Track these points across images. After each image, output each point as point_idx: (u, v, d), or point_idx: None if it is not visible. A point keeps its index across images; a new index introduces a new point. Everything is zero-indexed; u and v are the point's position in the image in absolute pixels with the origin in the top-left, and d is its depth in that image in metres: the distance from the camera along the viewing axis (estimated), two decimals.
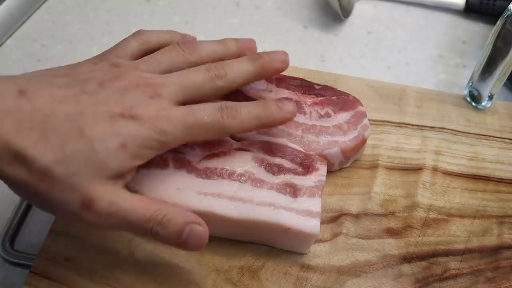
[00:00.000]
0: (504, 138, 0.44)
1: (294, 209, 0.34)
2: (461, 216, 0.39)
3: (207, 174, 0.35)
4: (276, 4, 0.61)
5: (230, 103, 0.33)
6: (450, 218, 0.39)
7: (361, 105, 0.41)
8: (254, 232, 0.35)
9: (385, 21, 0.60)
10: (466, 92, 0.47)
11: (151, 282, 0.35)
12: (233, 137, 0.38)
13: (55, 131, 0.28)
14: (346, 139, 0.39)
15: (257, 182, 0.35)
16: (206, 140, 0.36)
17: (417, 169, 0.41)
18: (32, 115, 0.28)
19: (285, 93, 0.40)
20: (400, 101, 0.46)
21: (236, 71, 0.35)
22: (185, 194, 0.34)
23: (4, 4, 0.55)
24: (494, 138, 0.44)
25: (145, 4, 0.61)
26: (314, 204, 0.35)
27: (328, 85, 0.43)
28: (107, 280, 0.35)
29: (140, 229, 0.30)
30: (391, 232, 0.38)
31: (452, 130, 0.44)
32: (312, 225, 0.34)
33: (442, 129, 0.44)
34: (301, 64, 0.53)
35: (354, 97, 0.42)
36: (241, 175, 0.35)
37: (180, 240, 0.30)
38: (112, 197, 0.29)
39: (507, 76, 0.44)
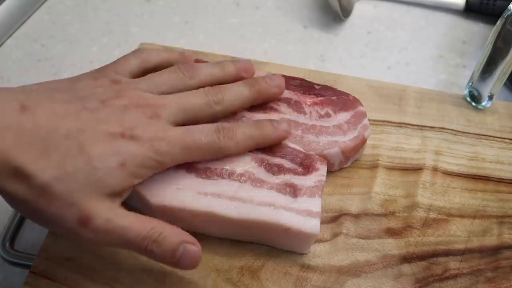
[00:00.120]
0: (504, 138, 0.44)
1: (294, 209, 0.34)
2: (461, 216, 0.39)
3: (207, 174, 0.35)
4: (276, 4, 0.61)
5: (226, 125, 0.35)
6: (450, 218, 0.39)
7: (361, 105, 0.41)
8: (254, 232, 0.35)
9: (385, 21, 0.60)
10: (466, 92, 0.47)
11: (151, 282, 0.35)
12: None
13: (56, 148, 0.28)
14: (346, 139, 0.39)
15: (257, 182, 0.35)
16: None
17: (417, 169, 0.41)
18: (33, 130, 0.28)
19: (285, 93, 0.40)
20: (400, 101, 0.46)
21: (233, 95, 0.36)
22: (185, 194, 0.34)
23: (4, 4, 0.55)
24: (494, 138, 0.44)
25: (145, 4, 0.61)
26: (314, 204, 0.35)
27: (328, 85, 0.43)
28: (107, 280, 0.35)
29: (135, 246, 0.30)
30: (391, 232, 0.38)
31: (452, 130, 0.44)
32: (312, 225, 0.34)
33: (442, 129, 0.44)
34: (301, 64, 0.53)
35: (354, 97, 0.42)
36: (241, 175, 0.35)
37: (174, 259, 0.30)
38: (110, 214, 0.29)
39: (507, 76, 0.44)
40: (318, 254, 0.37)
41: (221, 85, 0.37)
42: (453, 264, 0.37)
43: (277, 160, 0.36)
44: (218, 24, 0.59)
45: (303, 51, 0.56)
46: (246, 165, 0.36)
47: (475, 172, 0.42)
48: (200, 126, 0.34)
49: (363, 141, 0.40)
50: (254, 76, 0.40)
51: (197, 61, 0.41)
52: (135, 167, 0.30)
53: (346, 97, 0.41)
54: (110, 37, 0.57)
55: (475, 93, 0.46)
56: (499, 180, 0.41)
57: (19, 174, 0.27)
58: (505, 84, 0.51)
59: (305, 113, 0.40)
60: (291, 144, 0.38)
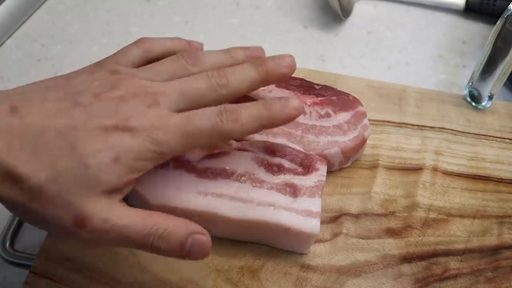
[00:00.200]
0: (504, 138, 0.44)
1: (294, 209, 0.34)
2: (461, 216, 0.39)
3: (207, 174, 0.35)
4: (276, 4, 0.61)
5: (229, 106, 0.32)
6: (450, 218, 0.39)
7: (361, 105, 0.41)
8: (254, 232, 0.35)
9: (385, 21, 0.60)
10: (466, 92, 0.47)
11: (151, 282, 0.35)
12: None
13: (47, 149, 0.28)
14: (346, 139, 0.39)
15: (257, 182, 0.35)
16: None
17: (417, 169, 0.41)
18: (23, 132, 0.27)
19: (285, 93, 0.40)
20: (400, 101, 0.46)
21: (239, 78, 0.33)
22: (185, 194, 0.34)
23: (4, 4, 0.55)
24: (494, 138, 0.44)
25: (145, 4, 0.61)
26: (314, 204, 0.35)
27: (328, 85, 0.43)
28: (107, 280, 0.35)
29: (139, 244, 0.29)
30: (391, 232, 0.38)
31: (452, 130, 0.44)
32: (312, 225, 0.34)
33: (442, 129, 0.44)
34: (301, 64, 0.53)
35: (354, 97, 0.42)
36: (241, 175, 0.35)
37: (183, 251, 0.29)
38: (107, 213, 0.28)
39: (507, 76, 0.44)
40: (318, 254, 0.37)
41: (226, 68, 0.33)
42: (453, 264, 0.37)
43: (277, 160, 0.36)
44: (218, 24, 0.59)
45: (303, 51, 0.56)
46: (246, 165, 0.36)
47: (475, 172, 0.42)
48: (201, 110, 0.31)
49: (363, 141, 0.40)
50: None
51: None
52: (131, 161, 0.29)
53: (346, 97, 0.41)
54: (110, 37, 0.57)
55: (475, 93, 0.46)
56: (499, 180, 0.41)
57: (12, 177, 0.27)
58: (505, 84, 0.51)
59: (305, 113, 0.40)
60: (291, 144, 0.38)
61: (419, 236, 0.38)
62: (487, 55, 0.43)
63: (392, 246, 0.37)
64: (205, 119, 0.31)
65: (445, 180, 0.41)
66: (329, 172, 0.40)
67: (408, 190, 0.40)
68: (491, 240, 0.38)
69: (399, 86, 0.47)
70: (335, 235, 0.37)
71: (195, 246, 0.29)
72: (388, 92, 0.46)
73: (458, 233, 0.38)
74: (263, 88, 0.40)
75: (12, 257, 0.39)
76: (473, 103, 0.46)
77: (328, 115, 0.40)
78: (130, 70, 0.33)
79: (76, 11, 0.60)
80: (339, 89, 0.42)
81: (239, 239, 0.36)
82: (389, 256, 0.37)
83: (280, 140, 0.38)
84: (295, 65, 0.35)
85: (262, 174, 0.36)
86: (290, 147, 0.37)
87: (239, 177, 0.35)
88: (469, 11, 0.59)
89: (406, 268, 0.36)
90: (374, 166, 0.41)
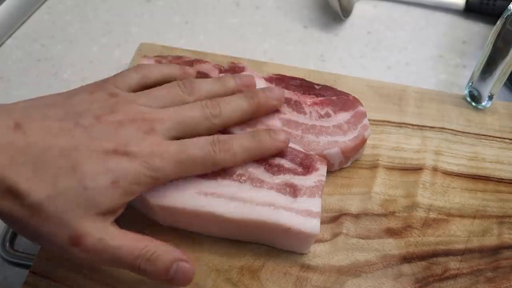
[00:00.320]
0: (504, 138, 0.44)
1: (294, 209, 0.34)
2: (461, 216, 0.39)
3: (207, 174, 0.35)
4: (276, 4, 0.61)
5: (222, 137, 0.34)
6: (450, 218, 0.39)
7: (361, 105, 0.41)
8: (254, 232, 0.35)
9: (385, 21, 0.60)
10: (466, 92, 0.47)
11: (151, 282, 0.35)
12: None
13: (49, 167, 0.28)
14: (346, 139, 0.39)
15: (257, 182, 0.35)
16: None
17: (417, 169, 0.41)
18: (26, 149, 0.28)
19: (285, 93, 0.40)
20: (400, 101, 0.46)
21: (232, 108, 0.36)
22: (185, 194, 0.34)
23: (4, 4, 0.55)
24: (494, 138, 0.44)
25: (145, 4, 0.61)
26: (314, 204, 0.35)
27: (328, 85, 0.43)
28: (107, 279, 0.35)
29: (128, 265, 0.30)
30: (391, 232, 0.38)
31: (452, 130, 0.44)
32: (312, 225, 0.34)
33: (442, 129, 0.44)
34: (301, 64, 0.53)
35: (354, 97, 0.42)
36: (241, 175, 0.35)
37: (168, 276, 0.30)
38: (102, 233, 0.29)
39: (507, 76, 0.44)
40: (318, 254, 0.37)
41: (219, 98, 0.36)
42: (453, 264, 0.37)
43: (277, 160, 0.36)
44: (218, 24, 0.59)
45: (303, 51, 0.56)
46: (246, 165, 0.36)
47: (475, 172, 0.42)
48: (195, 140, 0.33)
49: (363, 141, 0.40)
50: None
51: (199, 74, 0.40)
52: (128, 184, 0.30)
53: (346, 97, 0.41)
54: (110, 37, 0.57)
55: (475, 93, 0.46)
56: (499, 180, 0.41)
57: (12, 193, 0.27)
58: (505, 84, 0.51)
59: (305, 113, 0.40)
60: (291, 144, 0.38)
61: (419, 236, 0.38)
62: (487, 55, 0.43)
63: (392, 246, 0.37)
64: (198, 148, 0.33)
65: (445, 180, 0.41)
66: (329, 172, 0.40)
67: (408, 190, 0.40)
68: (491, 240, 0.38)
69: (399, 86, 0.47)
70: (335, 235, 0.37)
71: (179, 273, 0.30)
72: (388, 92, 0.46)
73: (458, 233, 0.38)
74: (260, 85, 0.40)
75: (12, 257, 0.39)
76: (473, 103, 0.46)
77: (328, 115, 0.40)
78: (129, 95, 0.34)
79: (76, 11, 0.60)
80: (339, 89, 0.42)
81: (239, 239, 0.36)
82: (389, 256, 0.37)
83: None
84: (284, 98, 0.39)
85: (262, 174, 0.36)
86: (290, 147, 0.37)
87: (239, 177, 0.35)
88: (469, 11, 0.59)
89: (406, 268, 0.36)
90: (374, 166, 0.41)
